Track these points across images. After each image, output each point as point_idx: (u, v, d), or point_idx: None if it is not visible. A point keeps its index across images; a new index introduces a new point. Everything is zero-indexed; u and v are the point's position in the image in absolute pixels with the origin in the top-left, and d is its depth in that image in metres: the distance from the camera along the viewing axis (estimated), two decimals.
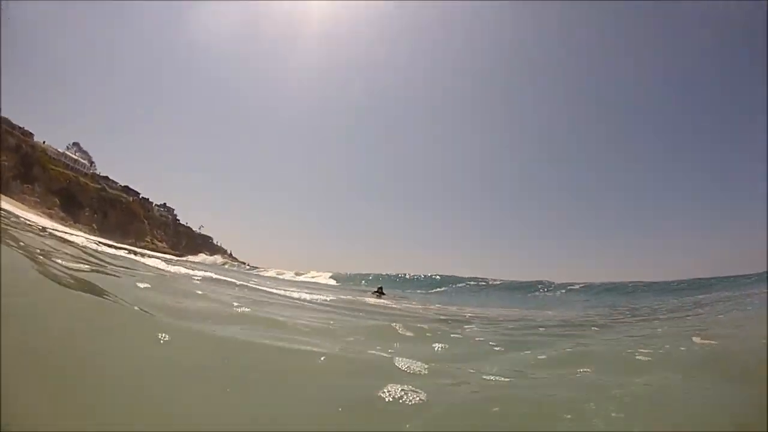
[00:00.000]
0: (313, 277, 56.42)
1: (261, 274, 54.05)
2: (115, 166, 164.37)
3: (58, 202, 68.16)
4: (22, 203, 57.90)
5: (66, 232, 18.64)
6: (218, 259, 79.57)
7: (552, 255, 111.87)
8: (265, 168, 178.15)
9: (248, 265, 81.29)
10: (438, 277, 44.38)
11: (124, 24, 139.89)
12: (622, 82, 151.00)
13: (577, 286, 33.78)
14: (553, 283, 35.40)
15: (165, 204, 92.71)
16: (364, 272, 52.99)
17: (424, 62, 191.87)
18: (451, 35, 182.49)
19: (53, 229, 18.13)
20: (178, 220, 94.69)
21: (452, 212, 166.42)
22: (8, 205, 43.86)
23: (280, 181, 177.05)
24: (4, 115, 67.53)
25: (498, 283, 39.90)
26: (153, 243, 78.55)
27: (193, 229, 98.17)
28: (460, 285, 40.77)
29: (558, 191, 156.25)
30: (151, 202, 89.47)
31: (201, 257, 77.66)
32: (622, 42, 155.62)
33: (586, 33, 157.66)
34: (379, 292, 23.43)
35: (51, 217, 60.79)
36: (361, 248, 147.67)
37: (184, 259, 57.80)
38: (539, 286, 35.11)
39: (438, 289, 40.11)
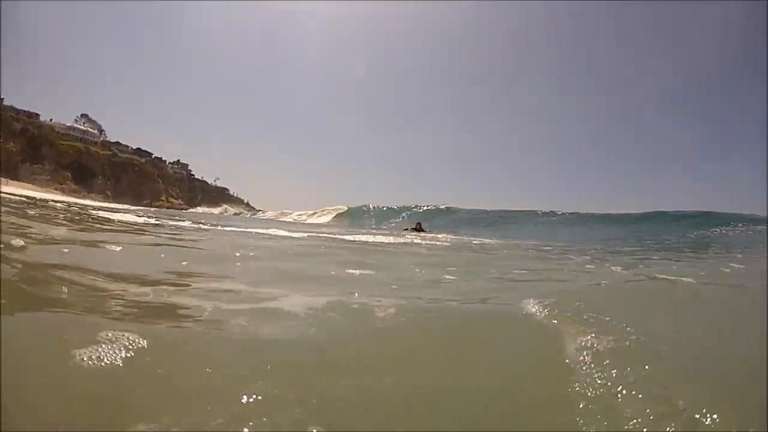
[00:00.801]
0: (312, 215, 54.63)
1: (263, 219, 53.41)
2: (127, 130, 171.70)
3: (69, 175, 72.68)
4: (33, 184, 62.59)
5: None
6: (211, 209, 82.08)
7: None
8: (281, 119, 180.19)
9: (263, 211, 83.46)
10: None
11: None
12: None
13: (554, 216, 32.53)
14: (538, 211, 34.25)
15: (179, 161, 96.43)
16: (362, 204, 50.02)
17: None
18: None
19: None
20: (193, 175, 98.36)
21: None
22: (18, 189, 47.56)
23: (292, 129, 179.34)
24: (8, 103, 72.03)
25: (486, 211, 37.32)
26: (168, 201, 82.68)
27: (209, 182, 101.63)
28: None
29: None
30: (165, 161, 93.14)
31: (219, 209, 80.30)
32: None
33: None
34: (419, 229, 22.10)
35: (63, 191, 65.30)
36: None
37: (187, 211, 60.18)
38: (529, 215, 33.85)
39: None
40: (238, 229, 10.79)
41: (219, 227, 11.30)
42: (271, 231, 10.93)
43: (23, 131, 71.71)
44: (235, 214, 72.34)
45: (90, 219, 9.42)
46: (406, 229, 22.37)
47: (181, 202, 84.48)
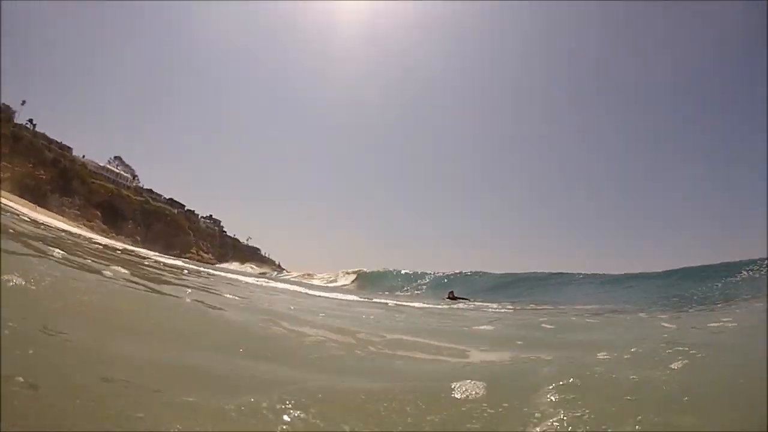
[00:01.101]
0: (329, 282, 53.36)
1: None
2: (160, 181, 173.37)
3: (99, 214, 71.34)
4: (62, 215, 60.55)
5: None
6: (235, 265, 78.33)
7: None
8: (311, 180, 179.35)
9: (288, 271, 79.91)
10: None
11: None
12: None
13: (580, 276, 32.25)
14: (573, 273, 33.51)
15: (211, 216, 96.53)
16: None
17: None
18: None
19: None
20: (225, 232, 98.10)
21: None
22: (47, 218, 45.21)
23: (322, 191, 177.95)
24: (40, 129, 72.22)
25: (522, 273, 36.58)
26: (198, 254, 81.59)
27: (241, 240, 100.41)
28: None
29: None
30: (197, 214, 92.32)
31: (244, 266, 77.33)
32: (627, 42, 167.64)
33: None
34: (452, 297, 21.43)
35: (92, 229, 63.25)
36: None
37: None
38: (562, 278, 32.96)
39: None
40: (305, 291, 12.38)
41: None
42: (342, 296, 12.55)
43: (55, 161, 71.30)
44: (260, 273, 69.65)
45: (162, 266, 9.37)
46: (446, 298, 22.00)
47: (211, 257, 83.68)
